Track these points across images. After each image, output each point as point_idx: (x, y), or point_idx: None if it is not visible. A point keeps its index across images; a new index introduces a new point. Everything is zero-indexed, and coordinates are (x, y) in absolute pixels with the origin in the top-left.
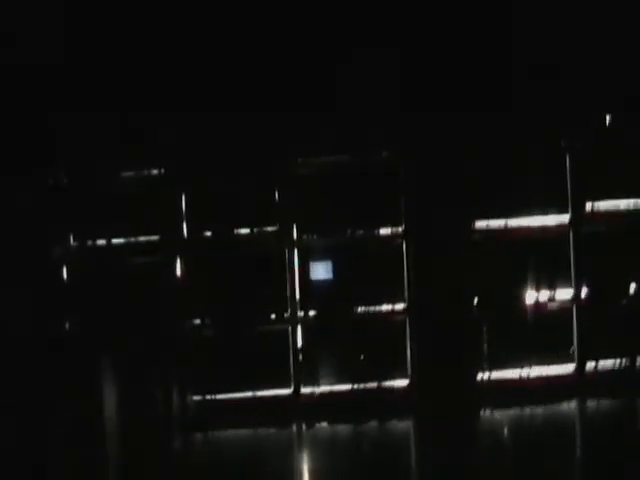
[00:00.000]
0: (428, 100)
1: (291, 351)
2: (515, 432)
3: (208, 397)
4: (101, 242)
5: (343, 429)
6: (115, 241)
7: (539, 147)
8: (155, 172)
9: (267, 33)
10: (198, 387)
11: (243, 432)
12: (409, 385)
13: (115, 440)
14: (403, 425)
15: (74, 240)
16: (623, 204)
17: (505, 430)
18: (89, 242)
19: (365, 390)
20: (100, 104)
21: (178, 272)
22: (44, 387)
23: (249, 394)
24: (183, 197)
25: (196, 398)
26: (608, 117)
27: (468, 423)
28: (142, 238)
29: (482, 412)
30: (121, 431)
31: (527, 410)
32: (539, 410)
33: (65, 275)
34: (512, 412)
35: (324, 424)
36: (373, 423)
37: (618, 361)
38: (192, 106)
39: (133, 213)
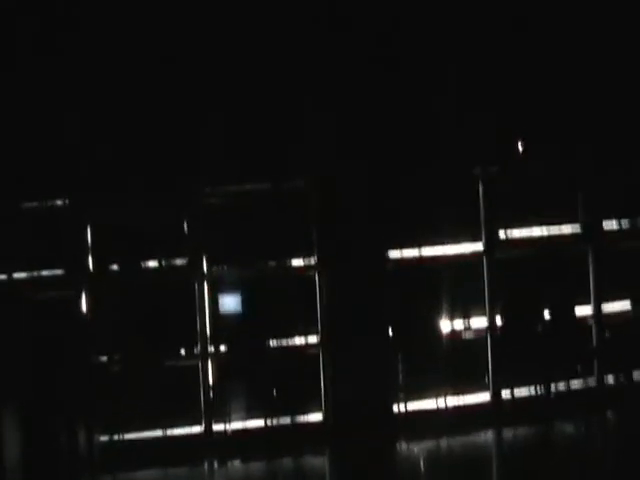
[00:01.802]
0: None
1: (202, 387)
2: (432, 464)
3: (116, 436)
4: (1, 276)
5: (257, 466)
6: (17, 275)
7: (453, 176)
8: (59, 202)
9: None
10: (105, 426)
11: (153, 472)
12: (324, 420)
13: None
14: (318, 461)
15: None
16: (536, 231)
17: (422, 462)
18: None
19: (279, 426)
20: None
21: (84, 307)
22: None
23: (159, 433)
24: (88, 229)
25: (103, 438)
26: (519, 146)
27: (385, 457)
28: (45, 272)
29: (399, 445)
30: (24, 471)
31: (444, 441)
32: (456, 440)
33: None
34: (429, 443)
35: (237, 462)
36: (287, 460)
37: (533, 389)
38: (101, 136)
39: (36, 246)
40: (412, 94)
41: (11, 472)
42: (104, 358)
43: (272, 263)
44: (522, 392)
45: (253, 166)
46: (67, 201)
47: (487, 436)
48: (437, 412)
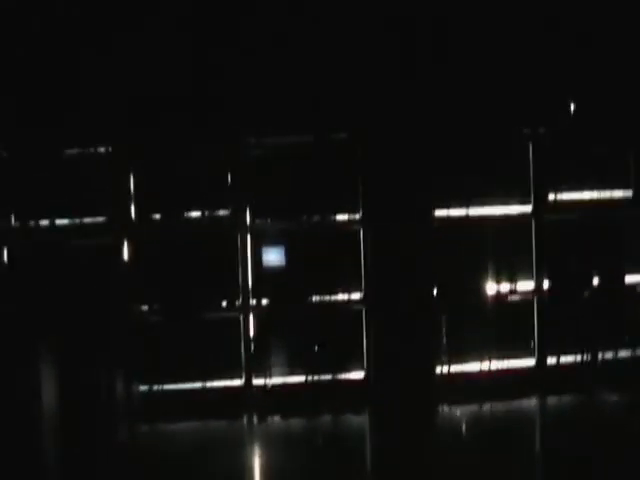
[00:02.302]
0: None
1: (242, 340)
2: (473, 428)
3: (155, 387)
4: (45, 223)
5: (296, 423)
6: (59, 222)
7: (503, 134)
8: (102, 150)
9: None
10: (145, 376)
11: (192, 424)
12: (365, 378)
13: (55, 431)
14: (358, 419)
15: (15, 220)
16: (586, 194)
17: (463, 426)
18: (32, 222)
19: (319, 383)
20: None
21: (125, 256)
22: None
23: (198, 384)
24: (132, 177)
25: (143, 387)
26: (571, 105)
27: (425, 418)
28: (88, 219)
29: (440, 407)
30: (62, 421)
31: (486, 405)
32: (499, 406)
33: (5, 257)
34: (471, 407)
35: (276, 417)
36: (327, 417)
37: (580, 355)
38: (145, 84)
39: (79, 193)
40: (460, 51)
41: (48, 421)
42: (144, 307)
43: (316, 217)
44: (568, 359)
45: (298, 117)
46: (110, 148)
47: (530, 402)
48: (480, 375)
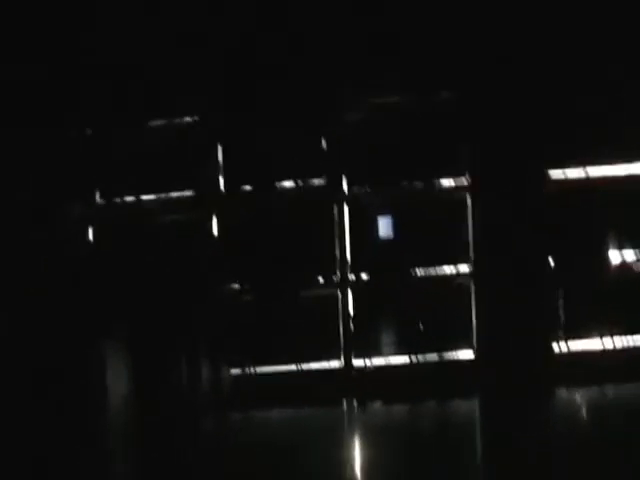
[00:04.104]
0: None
1: (341, 319)
2: (595, 414)
3: (248, 370)
4: (130, 199)
5: (399, 409)
6: (145, 198)
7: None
8: (188, 120)
9: None
10: (236, 359)
11: (286, 411)
12: (475, 358)
13: (141, 418)
14: (467, 404)
15: (101, 197)
16: None
17: (584, 411)
18: (117, 199)
19: (425, 364)
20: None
21: (215, 231)
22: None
23: (293, 367)
24: (220, 147)
25: (234, 372)
26: None
27: (541, 402)
28: (175, 194)
29: (558, 389)
30: (148, 408)
31: (609, 387)
32: (623, 388)
33: (91, 236)
34: (592, 390)
35: (378, 402)
36: (433, 402)
37: None
38: (230, 45)
39: (165, 167)
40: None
41: (135, 404)
42: (236, 286)
43: (419, 183)
44: None
45: (399, 75)
46: (199, 119)
47: None
48: (603, 353)
